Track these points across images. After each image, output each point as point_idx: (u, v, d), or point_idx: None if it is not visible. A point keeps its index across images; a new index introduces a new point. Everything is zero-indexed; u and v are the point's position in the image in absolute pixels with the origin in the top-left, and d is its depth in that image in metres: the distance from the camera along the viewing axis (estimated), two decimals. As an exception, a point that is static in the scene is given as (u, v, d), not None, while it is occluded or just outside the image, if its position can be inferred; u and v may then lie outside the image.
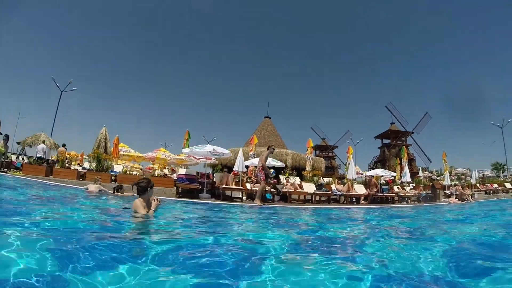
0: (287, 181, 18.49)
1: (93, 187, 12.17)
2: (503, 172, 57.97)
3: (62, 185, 13.91)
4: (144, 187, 5.56)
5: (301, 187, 18.39)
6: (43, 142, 22.72)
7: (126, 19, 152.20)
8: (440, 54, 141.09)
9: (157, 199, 5.71)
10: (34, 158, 21.04)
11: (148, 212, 5.44)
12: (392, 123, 69.48)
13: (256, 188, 15.01)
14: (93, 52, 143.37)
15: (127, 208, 6.23)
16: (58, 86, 38.46)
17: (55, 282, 2.13)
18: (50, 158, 20.89)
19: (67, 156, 22.78)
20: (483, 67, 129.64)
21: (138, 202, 5.48)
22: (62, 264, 2.47)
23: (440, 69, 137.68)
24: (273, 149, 14.09)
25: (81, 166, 21.44)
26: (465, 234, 5.96)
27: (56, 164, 19.17)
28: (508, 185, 31.78)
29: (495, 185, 32.07)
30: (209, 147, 16.95)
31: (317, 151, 75.70)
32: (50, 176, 16.78)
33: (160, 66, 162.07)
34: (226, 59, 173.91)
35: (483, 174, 52.84)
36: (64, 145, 24.42)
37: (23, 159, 24.13)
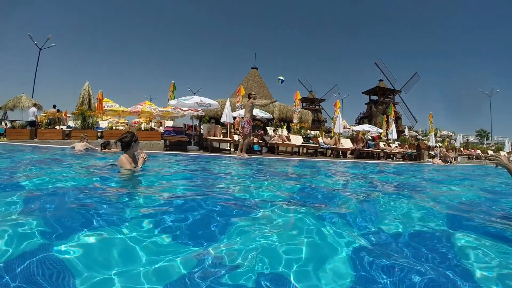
0: (275, 133, 18.46)
1: (79, 146, 11.97)
2: (487, 140, 59.13)
3: (48, 147, 13.64)
4: (128, 142, 5.35)
5: (288, 139, 18.40)
6: (34, 105, 22.20)
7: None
8: (433, 13, 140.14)
9: (144, 154, 5.55)
10: (24, 122, 20.68)
11: (134, 167, 5.32)
12: (380, 80, 69.15)
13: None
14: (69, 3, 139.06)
15: (113, 165, 6.07)
16: (36, 44, 37.00)
17: (39, 240, 2.04)
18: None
19: (58, 116, 22.43)
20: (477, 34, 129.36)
21: (124, 158, 5.32)
22: (45, 223, 2.37)
23: (435, 27, 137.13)
24: (255, 95, 13.91)
25: (65, 125, 21.09)
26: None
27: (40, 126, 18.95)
28: (490, 153, 32.50)
29: (478, 151, 33.05)
30: (196, 98, 16.70)
31: (304, 104, 75.27)
32: (35, 139, 16.57)
33: (142, 15, 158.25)
34: (212, 7, 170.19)
35: (467, 139, 53.68)
36: (54, 106, 23.99)
37: (6, 124, 23.63)
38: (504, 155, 27.98)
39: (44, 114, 22.83)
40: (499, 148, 38.59)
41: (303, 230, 2.49)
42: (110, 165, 6.45)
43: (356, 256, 2.08)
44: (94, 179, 4.88)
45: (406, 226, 2.97)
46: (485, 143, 52.64)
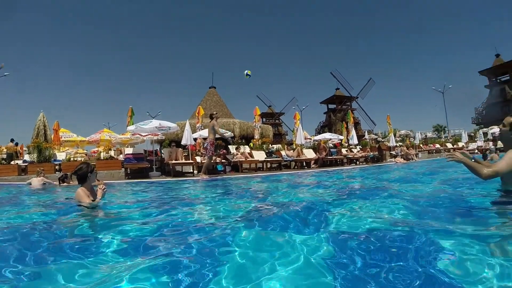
0: (237, 151, 18.42)
1: (36, 181, 11.60)
2: (444, 134, 61.30)
3: (3, 184, 13.10)
4: (83, 174, 5.09)
5: (251, 156, 18.42)
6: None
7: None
8: (382, 17, 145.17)
9: (102, 185, 5.33)
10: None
11: (93, 200, 5.03)
12: (337, 89, 71.25)
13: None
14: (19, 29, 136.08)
15: (69, 198, 5.83)
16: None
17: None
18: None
19: (16, 150, 21.79)
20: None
21: (81, 192, 5.01)
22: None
23: (383, 32, 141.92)
24: (217, 114, 13.86)
25: (21, 159, 20.38)
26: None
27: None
28: (449, 145, 34.51)
29: (437, 145, 34.60)
30: (154, 123, 16.52)
31: (264, 119, 75.88)
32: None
33: (95, 39, 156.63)
34: (166, 27, 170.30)
35: (426, 136, 55.55)
36: (12, 140, 23.21)
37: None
38: (463, 146, 29.32)
39: (8, 150, 22.07)
40: (456, 139, 40.16)
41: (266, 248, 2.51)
42: (66, 199, 6.22)
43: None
44: (47, 217, 4.72)
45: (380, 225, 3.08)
46: (443, 137, 54.52)
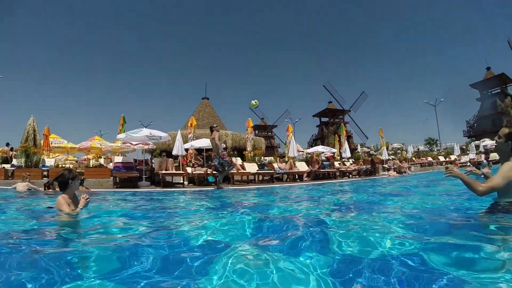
0: (229, 162, 18.22)
1: (21, 186, 11.35)
2: (436, 147, 61.89)
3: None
4: (64, 181, 4.88)
5: (243, 168, 18.23)
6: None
7: None
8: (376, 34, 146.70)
9: (86, 195, 5.04)
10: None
11: (74, 209, 4.79)
12: (329, 102, 71.76)
13: (198, 172, 15.05)
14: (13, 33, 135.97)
15: (51, 207, 5.56)
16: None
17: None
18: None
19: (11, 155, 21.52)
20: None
21: (61, 199, 4.76)
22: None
23: (377, 47, 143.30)
24: (217, 127, 13.65)
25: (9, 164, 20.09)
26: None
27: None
28: (441, 158, 34.89)
29: (430, 159, 34.90)
30: (145, 131, 16.21)
31: (257, 131, 76.01)
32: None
33: (89, 47, 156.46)
34: (162, 39, 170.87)
35: (418, 149, 55.92)
36: (8, 144, 22.89)
37: None
38: (455, 159, 29.67)
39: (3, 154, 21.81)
40: (448, 153, 40.63)
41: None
42: (47, 207, 5.95)
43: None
44: (24, 224, 4.51)
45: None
46: (435, 150, 54.94)
